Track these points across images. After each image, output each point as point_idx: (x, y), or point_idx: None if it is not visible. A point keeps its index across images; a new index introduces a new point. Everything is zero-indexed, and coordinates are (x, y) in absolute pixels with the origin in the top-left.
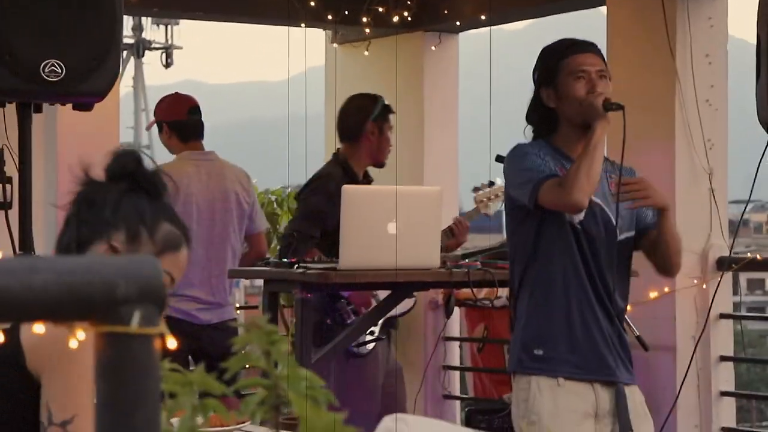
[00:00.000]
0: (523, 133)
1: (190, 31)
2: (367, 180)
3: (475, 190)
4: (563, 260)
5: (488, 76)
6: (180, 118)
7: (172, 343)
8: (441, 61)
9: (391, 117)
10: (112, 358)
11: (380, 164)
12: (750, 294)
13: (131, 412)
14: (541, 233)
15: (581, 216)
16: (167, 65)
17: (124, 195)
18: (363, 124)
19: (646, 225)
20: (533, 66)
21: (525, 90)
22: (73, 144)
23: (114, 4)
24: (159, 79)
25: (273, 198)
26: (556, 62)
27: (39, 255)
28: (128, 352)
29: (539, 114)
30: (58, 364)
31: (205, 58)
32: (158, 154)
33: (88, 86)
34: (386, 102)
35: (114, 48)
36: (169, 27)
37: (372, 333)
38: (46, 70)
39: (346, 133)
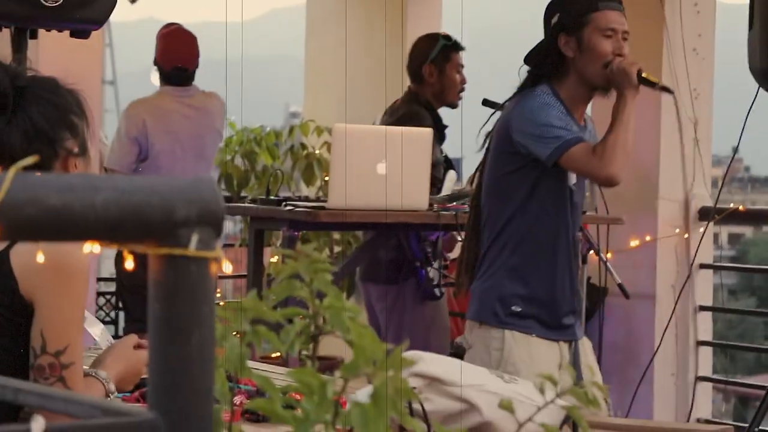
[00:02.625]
0: (518, 73)
1: None
2: (443, 128)
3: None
4: (558, 219)
5: (478, 18)
6: (164, 67)
7: (227, 267)
8: (425, 3)
9: (458, 56)
10: (169, 281)
11: (450, 105)
12: (731, 248)
13: (187, 334)
14: (538, 187)
15: (574, 180)
16: (133, 0)
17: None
18: (421, 66)
19: None
20: (546, 9)
21: (500, 40)
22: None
23: None
24: (123, 15)
25: (252, 136)
26: (586, 13)
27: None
28: (185, 274)
29: (548, 58)
30: (52, 289)
31: None
32: (123, 91)
33: (87, 13)
34: (450, 40)
35: None
36: None
37: (445, 276)
38: None
39: (411, 76)
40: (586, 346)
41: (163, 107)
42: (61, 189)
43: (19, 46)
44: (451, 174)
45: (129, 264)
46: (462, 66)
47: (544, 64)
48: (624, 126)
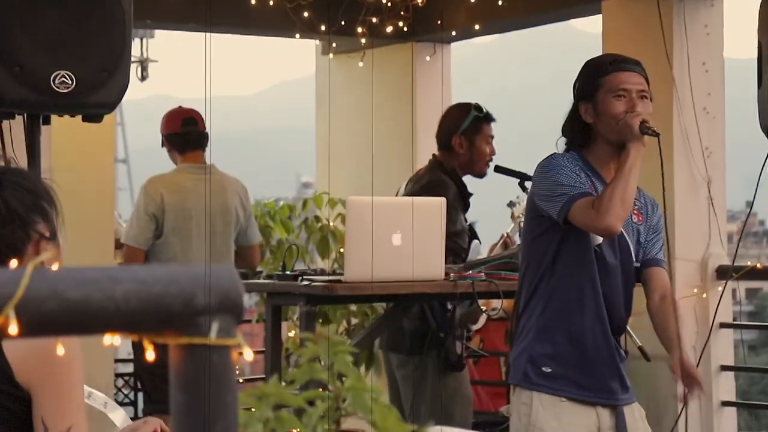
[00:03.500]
0: (555, 145)
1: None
2: (468, 197)
3: (511, 204)
4: (582, 277)
5: (481, 85)
6: (175, 131)
7: (248, 354)
8: (434, 71)
9: (488, 127)
10: (191, 370)
11: (478, 175)
12: (749, 303)
13: (211, 424)
14: (563, 247)
15: (599, 240)
16: (142, 78)
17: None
18: (451, 136)
19: (647, 259)
20: (573, 84)
21: (519, 97)
22: (68, 158)
23: (124, 16)
24: (133, 93)
25: (266, 210)
26: (597, 78)
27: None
28: (206, 363)
29: (575, 128)
30: (47, 376)
31: (180, 71)
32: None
33: (99, 98)
34: (482, 112)
35: (124, 60)
36: (144, 40)
37: (468, 348)
38: (57, 82)
39: (440, 144)
40: (636, 412)
41: (180, 184)
42: (81, 282)
43: (31, 132)
44: (476, 244)
45: (150, 355)
46: (492, 137)
47: (573, 133)
48: (624, 177)
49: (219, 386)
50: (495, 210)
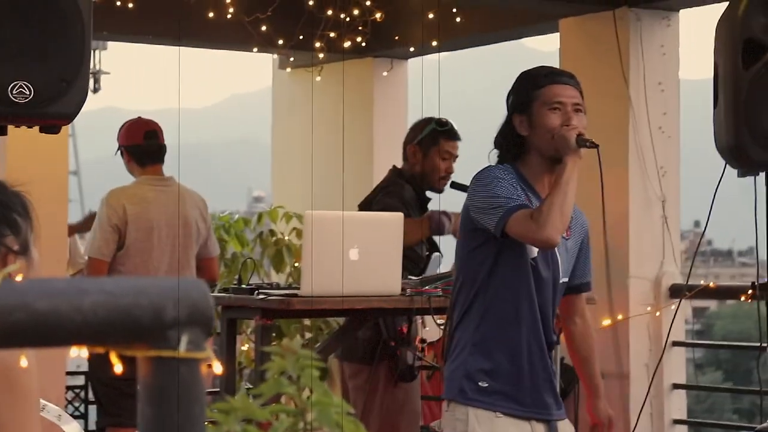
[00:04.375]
0: (488, 157)
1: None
2: (427, 202)
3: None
4: (519, 291)
5: (438, 101)
6: (136, 143)
7: (218, 368)
8: (391, 86)
9: (447, 143)
10: (159, 383)
11: (434, 190)
12: (696, 322)
13: None
14: (499, 260)
15: (534, 253)
16: (95, 90)
17: None
18: (406, 145)
19: (580, 283)
20: (507, 97)
21: (471, 115)
22: (22, 169)
23: (84, 26)
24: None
25: (221, 224)
26: (532, 90)
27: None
28: (175, 376)
29: (508, 140)
30: (2, 388)
31: (130, 83)
32: (86, 180)
33: (57, 109)
34: (443, 126)
35: (83, 71)
36: (96, 51)
37: (420, 359)
38: (14, 92)
39: (403, 155)
40: (567, 428)
41: (141, 196)
42: (49, 293)
43: None
44: (436, 255)
45: (118, 368)
46: (451, 154)
47: (507, 145)
48: (562, 189)
49: (188, 399)
50: None
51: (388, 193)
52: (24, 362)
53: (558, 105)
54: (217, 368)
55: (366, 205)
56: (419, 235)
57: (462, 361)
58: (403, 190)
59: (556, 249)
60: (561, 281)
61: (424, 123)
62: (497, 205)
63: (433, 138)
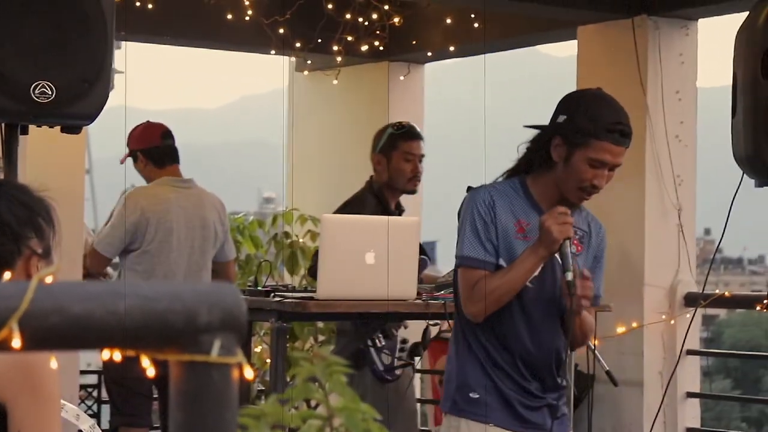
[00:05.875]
0: (516, 150)
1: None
2: (399, 210)
3: None
4: (513, 308)
5: (453, 106)
6: (155, 144)
7: (249, 373)
8: (407, 91)
9: (407, 144)
10: (191, 388)
11: (408, 191)
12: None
13: None
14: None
15: (536, 272)
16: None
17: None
18: (371, 156)
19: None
20: (561, 102)
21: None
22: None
23: (106, 27)
24: None
25: (235, 225)
26: (588, 136)
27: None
28: (207, 381)
29: (536, 152)
30: (24, 389)
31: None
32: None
33: (78, 109)
34: (400, 129)
35: (105, 72)
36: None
37: (400, 358)
38: (37, 92)
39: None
40: None
41: (162, 197)
42: (84, 297)
43: (9, 142)
44: (423, 260)
45: (150, 372)
46: (414, 155)
47: (532, 155)
48: (517, 276)
49: (219, 405)
50: None
51: (347, 208)
52: (54, 364)
53: (599, 164)
54: (249, 374)
55: None
56: None
57: (455, 371)
58: (363, 207)
59: (556, 268)
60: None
61: (381, 131)
62: (466, 243)
63: (392, 142)
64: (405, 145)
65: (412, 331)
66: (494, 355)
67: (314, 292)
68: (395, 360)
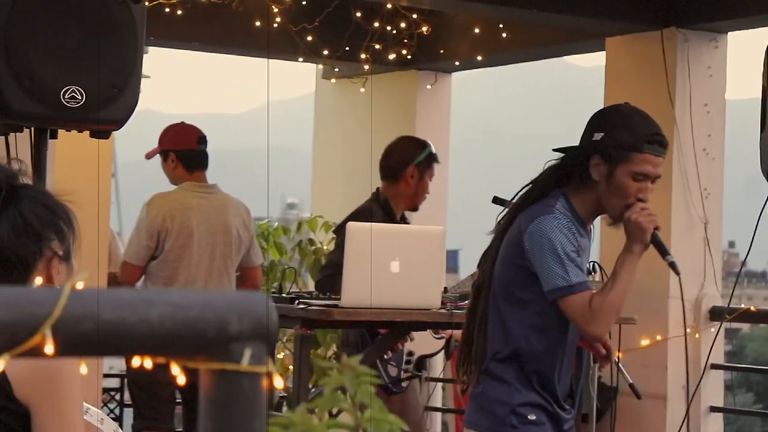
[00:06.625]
0: (543, 166)
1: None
2: (404, 222)
3: None
4: (564, 335)
5: (479, 116)
6: (190, 147)
7: (279, 382)
8: (434, 100)
9: (434, 167)
10: (221, 396)
11: (414, 208)
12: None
13: None
14: (546, 302)
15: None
16: None
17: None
18: (405, 166)
19: None
20: (593, 119)
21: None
22: (68, 171)
23: (136, 34)
24: None
25: (259, 231)
26: (628, 150)
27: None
28: (237, 390)
29: (574, 171)
30: (47, 392)
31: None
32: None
33: (108, 114)
34: (433, 151)
35: (134, 77)
36: None
37: (406, 371)
38: (66, 96)
39: (387, 173)
40: None
41: (184, 202)
42: (117, 304)
43: (38, 146)
44: None
45: (181, 380)
46: (432, 177)
47: (570, 174)
48: (625, 282)
49: (248, 413)
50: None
51: (356, 219)
52: (84, 369)
53: (642, 177)
54: (278, 383)
55: (339, 230)
56: None
57: (503, 394)
58: (372, 216)
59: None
60: None
61: (416, 145)
62: (561, 273)
63: (428, 162)
64: (433, 167)
65: (418, 344)
66: (542, 375)
67: (338, 299)
68: (401, 372)
